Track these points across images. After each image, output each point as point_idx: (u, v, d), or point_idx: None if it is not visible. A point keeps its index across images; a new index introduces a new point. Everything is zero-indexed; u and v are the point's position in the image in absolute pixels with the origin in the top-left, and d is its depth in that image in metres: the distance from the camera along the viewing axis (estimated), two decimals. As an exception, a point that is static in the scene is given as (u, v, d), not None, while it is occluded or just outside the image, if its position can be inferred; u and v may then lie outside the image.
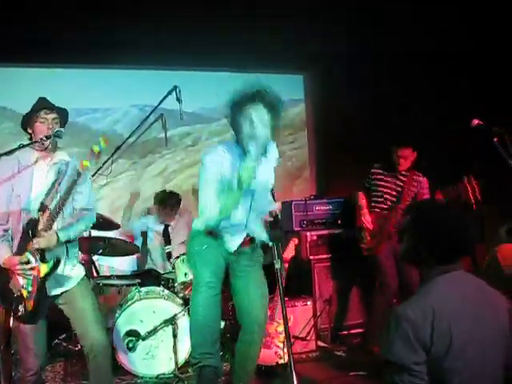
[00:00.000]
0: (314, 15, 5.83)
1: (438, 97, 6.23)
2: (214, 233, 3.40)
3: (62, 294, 3.34)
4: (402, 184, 5.00)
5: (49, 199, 3.24)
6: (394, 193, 5.00)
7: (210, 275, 3.38)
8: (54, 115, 3.33)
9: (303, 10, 5.73)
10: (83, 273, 3.47)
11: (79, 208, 3.39)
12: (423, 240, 2.15)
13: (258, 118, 3.04)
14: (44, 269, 3.17)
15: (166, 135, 6.00)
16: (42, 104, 3.36)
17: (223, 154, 3.28)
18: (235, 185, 3.09)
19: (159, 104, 5.61)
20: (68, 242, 3.31)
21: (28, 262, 3.17)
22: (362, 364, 4.56)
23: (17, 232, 3.28)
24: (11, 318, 3.36)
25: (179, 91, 5.49)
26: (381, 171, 5.09)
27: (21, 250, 3.22)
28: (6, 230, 3.30)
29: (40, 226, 3.17)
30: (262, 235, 3.47)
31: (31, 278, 3.18)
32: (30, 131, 3.37)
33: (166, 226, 5.82)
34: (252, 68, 6.61)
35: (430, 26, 5.83)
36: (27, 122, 3.37)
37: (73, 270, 3.38)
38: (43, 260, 3.17)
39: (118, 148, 5.56)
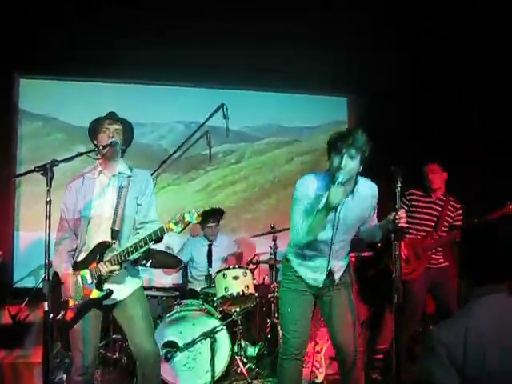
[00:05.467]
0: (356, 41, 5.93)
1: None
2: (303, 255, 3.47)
3: (115, 303, 3.38)
4: (439, 209, 4.93)
5: (118, 223, 3.28)
6: (432, 218, 4.93)
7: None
8: (116, 126, 3.40)
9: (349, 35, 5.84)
10: (140, 283, 3.50)
11: (139, 222, 3.41)
12: (462, 262, 2.14)
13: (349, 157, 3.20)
14: (95, 294, 3.23)
15: (210, 152, 6.11)
16: (108, 116, 3.45)
17: (313, 179, 3.38)
18: (321, 205, 3.22)
19: (206, 121, 5.73)
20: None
21: (83, 279, 3.24)
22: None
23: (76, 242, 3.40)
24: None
25: (226, 109, 5.61)
26: (418, 195, 4.99)
27: (83, 265, 3.29)
28: (75, 247, 3.39)
29: (108, 256, 3.21)
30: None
31: (82, 295, 3.25)
32: (95, 142, 3.46)
33: (209, 246, 5.83)
34: (297, 90, 6.71)
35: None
36: (92, 133, 3.46)
37: (130, 282, 3.41)
38: (98, 286, 3.23)
39: (163, 162, 5.69)
